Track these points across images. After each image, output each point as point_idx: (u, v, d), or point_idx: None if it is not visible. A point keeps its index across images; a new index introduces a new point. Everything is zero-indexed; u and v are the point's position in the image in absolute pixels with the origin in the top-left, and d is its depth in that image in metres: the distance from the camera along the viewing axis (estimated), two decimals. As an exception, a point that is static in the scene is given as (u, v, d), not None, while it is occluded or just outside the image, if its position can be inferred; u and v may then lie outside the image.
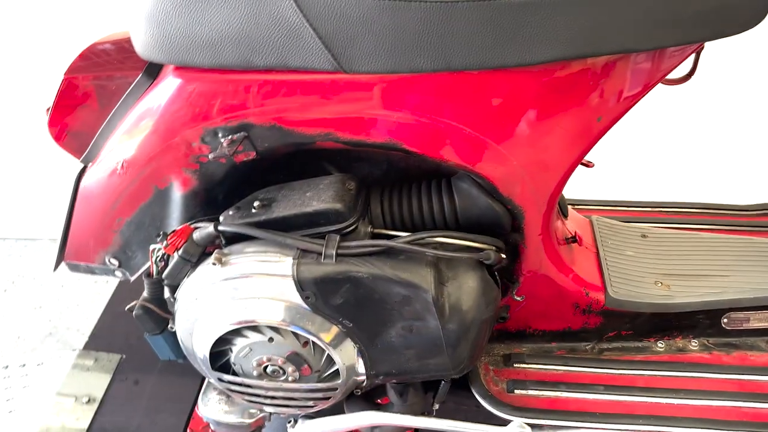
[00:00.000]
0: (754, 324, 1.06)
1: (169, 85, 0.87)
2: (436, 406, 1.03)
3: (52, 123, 0.99)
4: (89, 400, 1.45)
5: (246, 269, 0.87)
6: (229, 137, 0.86)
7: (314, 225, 0.88)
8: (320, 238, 0.86)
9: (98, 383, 1.49)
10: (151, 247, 0.94)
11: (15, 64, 1.95)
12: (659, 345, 1.08)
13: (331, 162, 0.98)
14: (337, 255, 0.85)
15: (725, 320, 1.06)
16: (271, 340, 0.90)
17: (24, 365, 1.55)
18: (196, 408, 1.42)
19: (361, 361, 0.93)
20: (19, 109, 2.07)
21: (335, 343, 0.90)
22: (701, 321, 1.06)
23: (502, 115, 0.83)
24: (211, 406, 1.05)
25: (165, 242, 0.91)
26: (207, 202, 0.96)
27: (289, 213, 0.87)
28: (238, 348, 0.92)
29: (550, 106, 0.83)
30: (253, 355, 0.93)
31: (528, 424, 0.95)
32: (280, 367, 0.93)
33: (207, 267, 0.90)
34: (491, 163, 0.86)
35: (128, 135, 0.92)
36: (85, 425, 1.40)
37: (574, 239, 1.08)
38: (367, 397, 1.08)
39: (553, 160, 0.88)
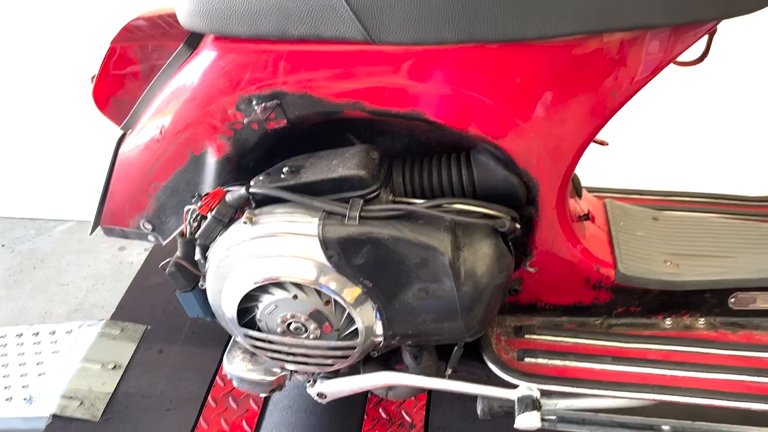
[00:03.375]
0: (761, 305, 1.09)
1: (207, 54, 0.93)
2: (449, 371, 1.07)
3: (97, 91, 1.05)
4: (115, 366, 1.51)
5: (274, 228, 0.93)
6: (263, 104, 0.92)
7: (339, 190, 0.93)
8: (345, 203, 0.92)
9: (124, 351, 1.55)
10: (186, 208, 1.00)
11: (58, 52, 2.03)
12: (667, 322, 1.11)
13: (355, 135, 1.04)
14: (360, 217, 0.90)
15: (732, 300, 1.09)
16: (295, 297, 0.95)
17: (54, 332, 1.62)
18: (217, 376, 1.48)
19: (379, 321, 0.98)
20: (35, 101, 2.16)
21: (356, 302, 0.95)
22: (708, 300, 1.09)
23: (521, 88, 0.87)
24: (235, 364, 1.10)
25: (199, 203, 0.97)
26: (238, 168, 1.01)
27: (316, 178, 0.93)
28: (264, 305, 0.98)
29: (567, 81, 0.87)
30: (277, 311, 0.98)
31: (537, 390, 1.00)
32: (303, 324, 0.98)
33: (238, 226, 0.95)
34: (509, 135, 0.90)
35: (168, 102, 0.98)
36: (111, 389, 1.46)
37: (587, 217, 1.12)
38: (383, 363, 1.13)
39: (569, 133, 0.92)
